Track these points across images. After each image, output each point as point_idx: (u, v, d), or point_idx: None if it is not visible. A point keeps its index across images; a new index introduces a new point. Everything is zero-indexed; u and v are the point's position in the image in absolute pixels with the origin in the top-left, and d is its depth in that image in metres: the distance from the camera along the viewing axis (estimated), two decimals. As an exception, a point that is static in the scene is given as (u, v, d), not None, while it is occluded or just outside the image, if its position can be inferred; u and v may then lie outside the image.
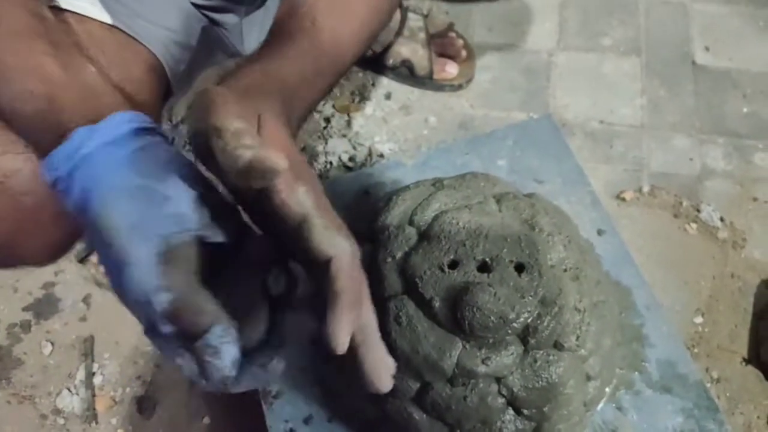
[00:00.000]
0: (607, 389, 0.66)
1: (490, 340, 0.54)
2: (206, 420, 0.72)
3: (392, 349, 0.56)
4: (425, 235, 0.58)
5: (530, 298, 0.54)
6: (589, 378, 0.62)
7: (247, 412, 0.70)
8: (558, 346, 0.57)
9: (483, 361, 0.55)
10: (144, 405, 0.73)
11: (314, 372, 0.67)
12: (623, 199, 0.85)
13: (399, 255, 0.58)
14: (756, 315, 0.77)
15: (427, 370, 0.55)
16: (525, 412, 0.57)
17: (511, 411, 0.57)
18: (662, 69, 0.95)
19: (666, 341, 0.70)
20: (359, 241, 0.65)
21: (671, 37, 0.99)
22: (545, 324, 0.55)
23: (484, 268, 0.57)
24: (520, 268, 0.56)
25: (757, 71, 0.95)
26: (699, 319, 0.77)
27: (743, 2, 1.03)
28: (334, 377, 0.64)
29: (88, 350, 0.76)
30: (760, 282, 0.79)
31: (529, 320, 0.54)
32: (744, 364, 0.74)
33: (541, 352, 0.56)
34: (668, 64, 0.96)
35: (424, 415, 0.57)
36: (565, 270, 0.59)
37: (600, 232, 0.75)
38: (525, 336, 0.55)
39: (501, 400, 0.56)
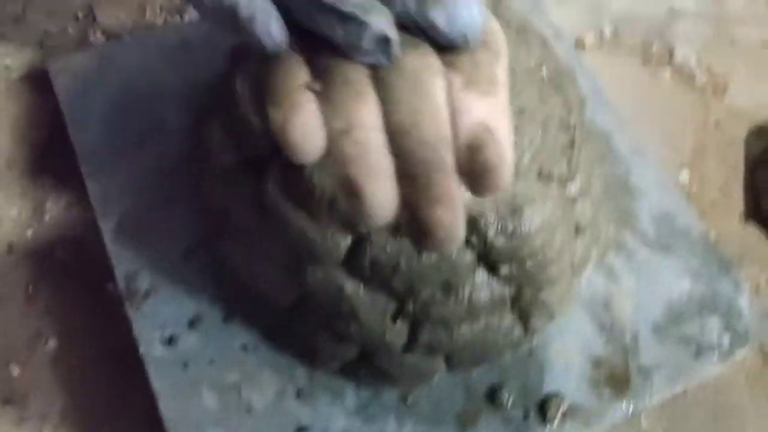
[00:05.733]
0: (593, 251, 0.51)
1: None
2: (51, 343, 0.51)
3: (308, 191, 0.37)
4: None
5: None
6: (578, 229, 0.46)
7: (108, 324, 0.50)
8: (543, 176, 0.41)
9: (443, 194, 0.37)
10: (-38, 331, 0.51)
11: (203, 254, 0.48)
12: (583, 45, 0.70)
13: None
14: (748, 167, 0.64)
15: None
16: (502, 270, 0.40)
17: (483, 269, 0.40)
18: None
19: (659, 191, 0.55)
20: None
21: None
22: (527, 142, 0.39)
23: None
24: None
25: None
26: (685, 176, 0.63)
27: None
28: (232, 256, 0.45)
29: None
30: (748, 131, 0.66)
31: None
32: (743, 221, 0.61)
33: (521, 183, 0.39)
34: None
35: (360, 285, 0.39)
36: (543, 78, 0.43)
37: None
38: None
39: (470, 253, 0.39)
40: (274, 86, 0.24)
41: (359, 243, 0.38)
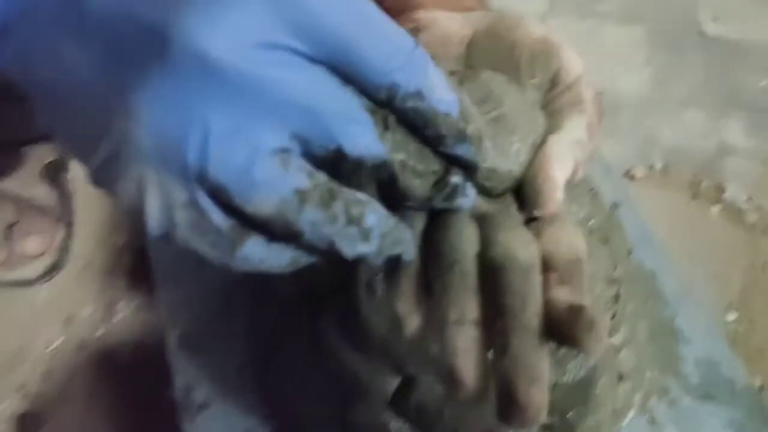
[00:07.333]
0: (636, 397, 0.51)
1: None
2: (108, 444, 0.54)
3: (363, 330, 0.40)
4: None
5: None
6: (620, 377, 0.47)
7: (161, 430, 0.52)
8: (587, 329, 0.42)
9: (489, 346, 0.39)
10: (27, 423, 0.55)
11: (255, 373, 0.50)
12: (632, 177, 0.72)
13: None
14: (798, 312, 0.64)
15: (411, 359, 0.39)
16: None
17: (525, 418, 0.41)
18: (668, 39, 0.84)
19: (704, 337, 0.55)
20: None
21: (675, 5, 0.88)
22: None
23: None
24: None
25: (772, 44, 0.85)
26: (732, 316, 0.63)
27: (750, -24, 0.93)
28: (280, 383, 0.48)
29: (-44, 354, 0.58)
30: (799, 274, 0.66)
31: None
32: (790, 370, 0.60)
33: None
34: (674, 34, 0.85)
35: (405, 426, 0.41)
36: (591, 231, 0.45)
37: (615, 206, 0.61)
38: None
39: (512, 403, 0.40)
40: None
41: (407, 384, 0.40)
